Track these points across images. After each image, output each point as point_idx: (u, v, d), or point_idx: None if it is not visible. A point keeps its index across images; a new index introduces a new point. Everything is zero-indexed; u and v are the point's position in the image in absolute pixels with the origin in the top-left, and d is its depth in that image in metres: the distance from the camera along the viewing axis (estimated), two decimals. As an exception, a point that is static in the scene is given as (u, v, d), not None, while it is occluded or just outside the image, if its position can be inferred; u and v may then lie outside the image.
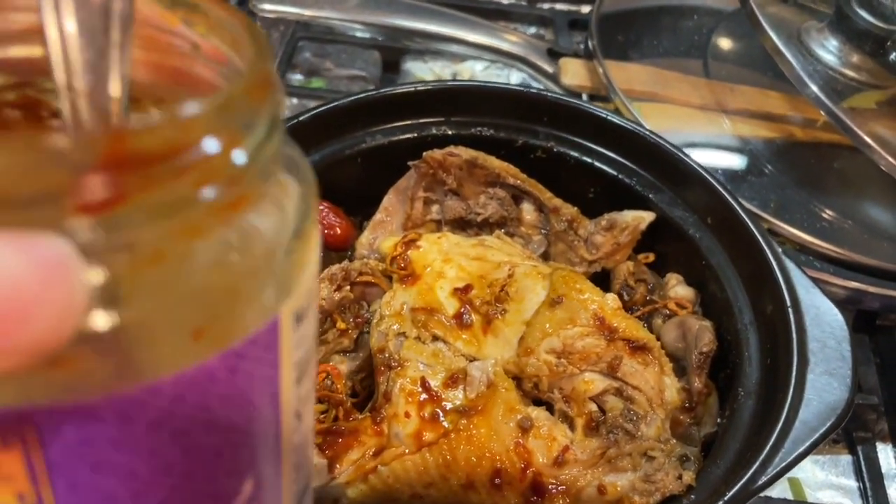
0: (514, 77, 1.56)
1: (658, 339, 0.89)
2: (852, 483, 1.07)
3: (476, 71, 1.60)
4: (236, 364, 0.26)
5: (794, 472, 1.09)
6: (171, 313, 0.24)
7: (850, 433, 1.11)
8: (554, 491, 0.72)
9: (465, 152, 0.93)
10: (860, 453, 1.09)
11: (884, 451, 1.10)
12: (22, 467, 0.24)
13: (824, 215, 1.22)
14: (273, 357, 0.28)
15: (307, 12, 1.42)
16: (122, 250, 0.23)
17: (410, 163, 0.95)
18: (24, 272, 0.20)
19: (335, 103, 0.97)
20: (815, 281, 0.98)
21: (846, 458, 1.10)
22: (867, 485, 1.05)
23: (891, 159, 1.13)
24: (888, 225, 1.22)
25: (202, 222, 0.24)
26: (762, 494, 1.03)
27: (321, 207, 0.98)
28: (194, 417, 0.26)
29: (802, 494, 1.05)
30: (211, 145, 0.24)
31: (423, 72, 1.59)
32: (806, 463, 1.09)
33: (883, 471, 1.07)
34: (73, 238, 0.21)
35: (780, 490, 1.06)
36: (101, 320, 0.22)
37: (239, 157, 0.25)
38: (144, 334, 0.24)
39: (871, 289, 1.14)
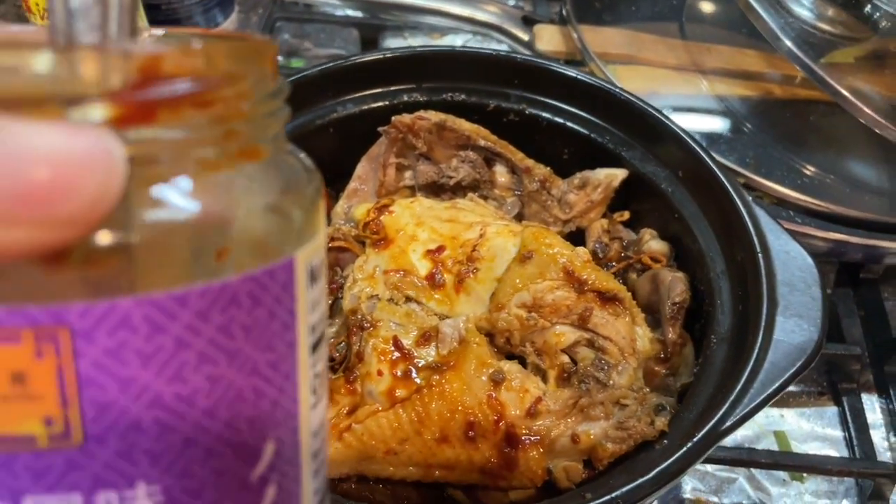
0: (494, 48, 1.55)
1: (633, 293, 0.90)
2: (838, 433, 1.08)
3: (457, 44, 1.59)
4: (257, 293, 0.28)
5: (780, 425, 1.10)
6: (196, 230, 0.26)
7: (836, 384, 1.11)
8: (527, 442, 0.73)
9: (434, 115, 0.93)
10: (845, 404, 1.09)
11: (869, 401, 1.10)
12: (54, 383, 0.24)
13: (805, 170, 1.22)
14: (290, 302, 0.29)
15: (282, -9, 1.42)
16: (150, 162, 0.26)
17: (380, 128, 0.95)
18: (72, 150, 0.23)
19: (304, 73, 0.97)
20: (798, 235, 0.99)
21: (832, 410, 1.10)
22: (853, 434, 1.06)
23: (869, 111, 1.13)
24: (868, 177, 1.22)
25: (222, 156, 0.28)
26: (746, 446, 1.04)
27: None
28: (218, 343, 0.27)
29: (788, 447, 1.05)
30: (233, 83, 0.28)
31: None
32: (791, 415, 1.10)
33: (869, 421, 1.07)
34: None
35: (766, 443, 1.07)
36: (134, 223, 0.25)
37: (254, 102, 0.29)
38: (174, 244, 0.26)
39: (853, 239, 1.14)
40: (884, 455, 1.05)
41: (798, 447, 1.06)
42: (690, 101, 1.28)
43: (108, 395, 0.25)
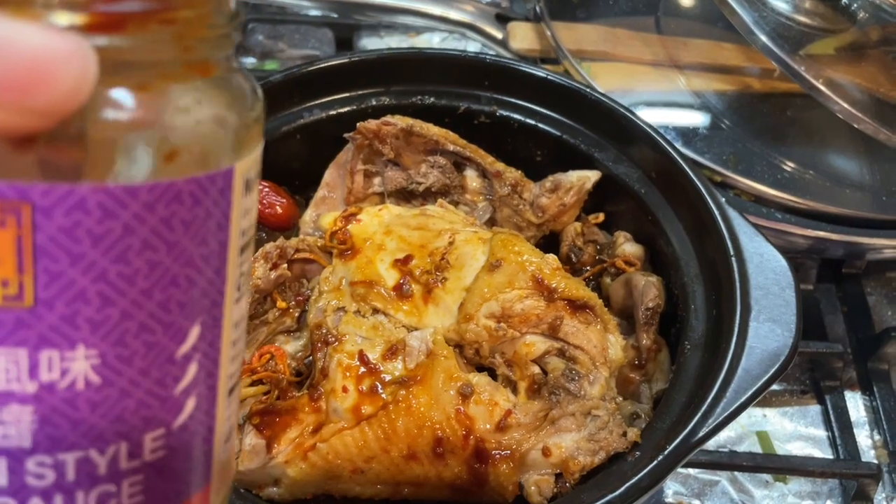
0: (471, 47, 1.53)
1: (607, 298, 0.88)
2: (822, 433, 1.06)
3: (433, 43, 1.57)
4: (198, 194, 0.31)
5: (763, 425, 1.08)
6: (149, 131, 0.30)
7: (818, 382, 1.10)
8: (497, 456, 0.71)
9: (400, 120, 0.91)
10: (828, 403, 1.08)
11: (852, 398, 1.09)
12: (12, 249, 0.28)
13: (784, 166, 1.20)
14: (226, 206, 0.33)
15: (254, -7, 1.39)
16: (116, 67, 0.29)
17: (346, 135, 0.93)
18: (51, 48, 0.26)
19: (269, 79, 0.95)
20: (777, 233, 0.97)
21: (815, 408, 1.09)
22: (836, 434, 1.04)
23: (845, 105, 1.11)
24: (848, 172, 1.20)
25: (178, 69, 0.32)
26: (728, 448, 1.02)
27: (262, 186, 0.96)
28: (160, 233, 0.30)
29: (771, 448, 1.04)
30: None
31: (380, 47, 1.56)
32: (774, 414, 1.08)
33: (852, 419, 1.06)
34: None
35: (748, 443, 1.05)
36: (97, 120, 0.29)
37: (214, 24, 0.33)
38: (129, 142, 0.30)
39: (834, 236, 1.13)
40: (867, 454, 1.03)
41: (781, 447, 1.05)
42: (667, 96, 1.25)
43: (59, 267, 0.29)
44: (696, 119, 1.23)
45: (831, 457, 1.03)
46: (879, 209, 1.16)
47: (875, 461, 1.01)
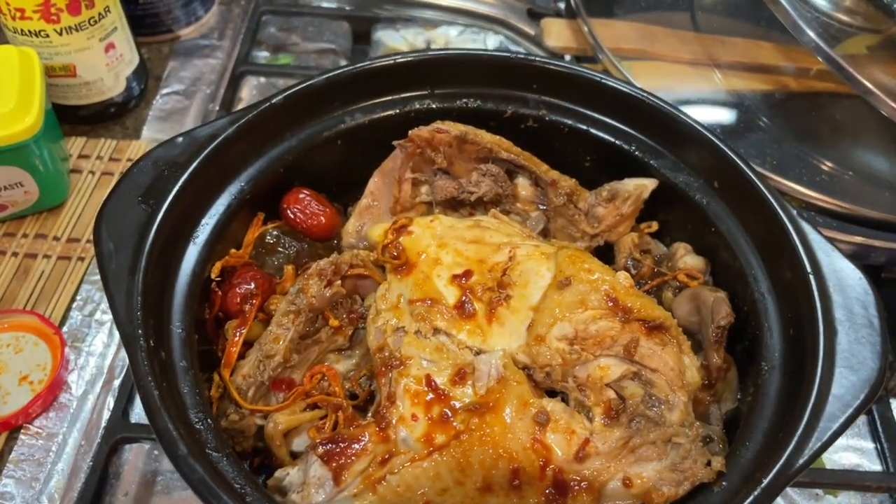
0: (490, 41, 1.48)
1: (670, 313, 0.85)
2: (869, 444, 1.04)
3: (451, 36, 1.52)
4: None
5: (810, 437, 1.06)
6: None
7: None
8: (577, 488, 0.68)
9: (454, 128, 0.87)
10: (875, 413, 1.05)
11: (899, 407, 1.07)
12: None
13: (824, 167, 1.17)
14: None
15: (269, -16, 1.34)
16: None
17: (395, 142, 0.89)
18: None
19: (309, 82, 0.89)
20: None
21: (861, 419, 1.07)
22: (884, 444, 1.02)
23: (893, 104, 1.08)
24: (889, 174, 1.18)
25: None
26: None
27: (302, 195, 0.91)
28: None
29: (820, 460, 1.02)
30: None
31: (396, 41, 1.51)
32: (820, 426, 1.06)
33: (899, 429, 1.04)
34: None
35: (796, 456, 1.03)
36: None
37: None
38: None
39: (877, 243, 1.10)
40: (916, 465, 1.01)
41: (829, 459, 1.03)
42: (705, 95, 1.22)
43: None
44: (735, 118, 1.20)
45: (880, 468, 1.01)
46: (921, 214, 1.13)
47: (928, 473, 0.99)
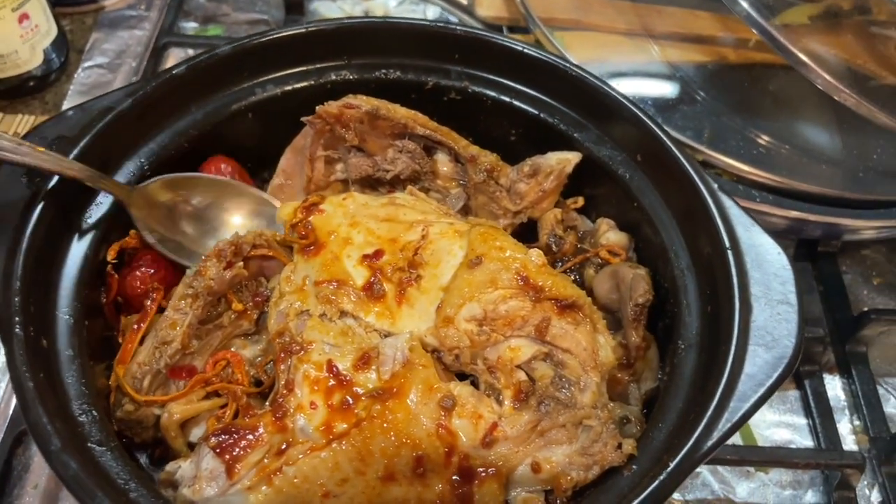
0: (430, 12, 1.43)
1: (591, 291, 0.82)
2: (802, 420, 1.03)
3: (389, 8, 1.47)
4: None
5: (742, 414, 1.05)
6: None
7: (797, 367, 1.06)
8: (483, 474, 0.65)
9: (365, 102, 0.83)
10: (807, 387, 1.04)
11: (831, 382, 1.06)
12: None
13: (760, 141, 1.15)
14: None
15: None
16: None
17: (304, 118, 0.84)
18: None
19: (214, 52, 0.85)
20: (755, 213, 0.92)
21: (794, 394, 1.06)
22: (816, 420, 1.01)
23: (827, 77, 1.06)
24: (826, 147, 1.16)
25: None
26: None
27: (225, 166, 0.87)
28: None
29: (752, 437, 1.00)
30: None
31: (332, 11, 1.45)
32: (753, 402, 1.05)
33: (832, 404, 1.03)
34: None
35: (728, 433, 1.02)
36: None
37: None
38: None
39: (813, 217, 1.09)
40: (848, 441, 1.01)
41: (761, 435, 1.02)
42: (641, 67, 1.19)
43: None
44: (671, 91, 1.17)
45: (811, 444, 1.00)
46: (856, 187, 1.12)
47: (857, 450, 0.98)
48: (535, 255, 0.73)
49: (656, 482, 0.60)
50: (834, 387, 1.06)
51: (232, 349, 0.76)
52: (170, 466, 0.67)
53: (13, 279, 0.66)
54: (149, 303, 0.75)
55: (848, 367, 1.06)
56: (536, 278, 0.71)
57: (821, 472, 0.97)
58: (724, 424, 0.62)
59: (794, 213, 1.09)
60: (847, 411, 1.04)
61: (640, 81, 1.17)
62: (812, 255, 1.18)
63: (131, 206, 0.78)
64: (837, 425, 1.01)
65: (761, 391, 0.64)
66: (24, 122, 1.23)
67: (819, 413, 1.02)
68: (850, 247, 1.19)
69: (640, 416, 0.74)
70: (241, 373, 0.74)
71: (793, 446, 1.00)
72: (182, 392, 0.71)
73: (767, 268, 0.71)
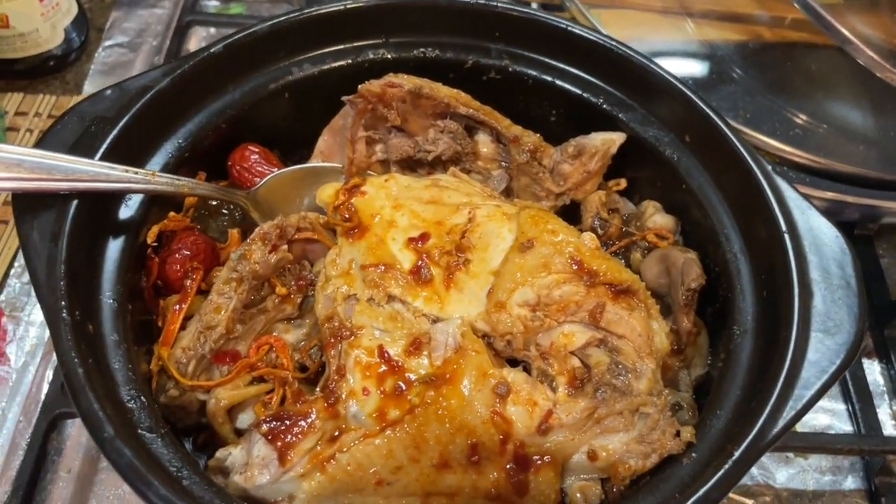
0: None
1: (639, 275, 0.81)
2: (840, 406, 1.02)
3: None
4: None
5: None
6: None
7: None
8: (539, 462, 0.64)
9: (407, 81, 0.80)
10: (847, 374, 1.03)
11: (870, 367, 1.05)
12: None
13: (798, 121, 1.13)
14: None
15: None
16: None
17: (345, 98, 0.82)
18: None
19: (252, 30, 0.82)
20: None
21: (832, 379, 1.04)
22: (855, 406, 1.00)
23: (872, 54, 1.04)
24: (865, 127, 1.14)
25: None
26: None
27: (249, 153, 0.85)
28: None
29: (791, 422, 0.99)
30: None
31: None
32: (791, 387, 1.04)
33: (871, 389, 1.02)
34: None
35: (766, 418, 1.01)
36: None
37: None
38: None
39: (850, 199, 1.07)
40: (888, 426, 0.99)
41: (801, 421, 1.00)
42: (677, 46, 1.17)
43: None
44: (708, 70, 1.15)
45: (851, 429, 0.99)
46: (895, 169, 1.10)
47: (898, 434, 0.97)
48: (589, 238, 0.71)
49: (721, 471, 0.58)
50: (873, 371, 1.05)
51: (275, 334, 0.75)
52: (220, 453, 0.66)
53: (57, 264, 0.64)
54: (189, 283, 0.73)
55: (887, 351, 1.05)
56: (591, 262, 0.69)
57: (861, 457, 0.96)
58: (788, 412, 0.61)
59: (831, 195, 1.07)
60: (886, 396, 1.03)
61: (676, 60, 1.14)
62: (849, 238, 1.15)
63: (250, 209, 0.81)
64: (877, 410, 1.00)
65: (825, 378, 0.63)
66: (45, 102, 1.21)
67: (858, 398, 1.01)
68: (888, 230, 1.17)
69: (691, 402, 0.73)
70: (287, 357, 0.72)
71: (832, 432, 0.99)
72: (228, 377, 0.69)
73: (826, 251, 0.70)
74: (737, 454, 0.59)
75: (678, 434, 0.65)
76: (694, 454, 0.64)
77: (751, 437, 0.60)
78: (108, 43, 1.31)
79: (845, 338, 0.65)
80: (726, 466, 0.58)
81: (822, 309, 0.66)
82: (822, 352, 0.64)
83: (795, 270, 0.68)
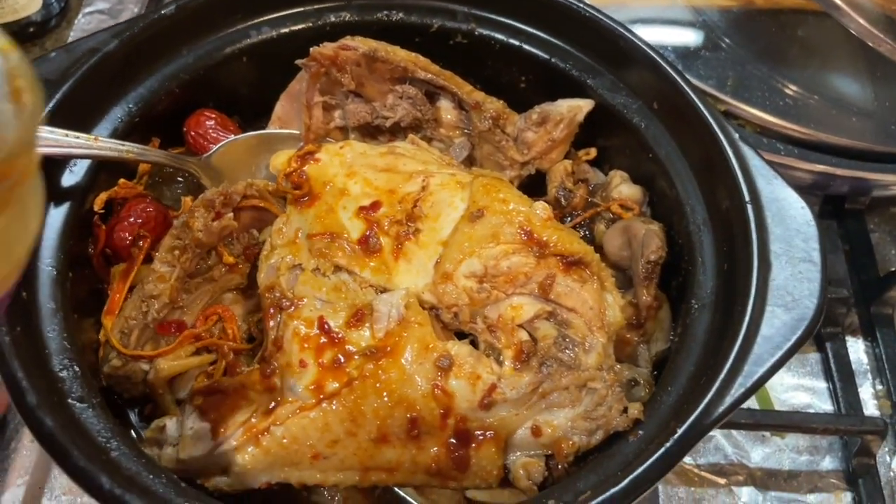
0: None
1: (601, 247, 0.78)
2: (821, 384, 0.99)
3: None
4: None
5: (759, 376, 1.01)
6: None
7: (819, 329, 1.02)
8: (481, 437, 0.62)
9: (362, 44, 0.78)
10: (829, 350, 1.00)
11: (854, 345, 1.02)
12: None
13: (787, 91, 1.09)
14: None
15: None
16: None
17: (298, 61, 0.80)
18: None
19: (207, -9, 0.80)
20: (779, 167, 0.87)
21: (814, 357, 1.01)
22: (837, 384, 0.97)
23: (862, 21, 1.00)
24: (856, 98, 1.10)
25: None
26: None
27: (205, 118, 0.83)
28: None
29: (769, 401, 0.96)
30: None
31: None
32: (771, 365, 1.01)
33: (854, 368, 0.99)
34: None
35: (743, 396, 0.98)
36: None
37: None
38: None
39: (840, 171, 1.03)
40: (869, 406, 0.97)
41: (779, 399, 0.98)
42: (663, 12, 1.13)
43: None
44: (694, 38, 1.11)
45: (831, 409, 0.96)
46: (888, 140, 1.06)
47: (879, 415, 0.94)
48: (541, 208, 0.69)
49: (662, 449, 0.56)
50: (857, 350, 1.02)
51: (224, 304, 0.73)
52: (155, 424, 0.65)
53: (-10, 228, 0.63)
54: (136, 250, 0.72)
55: (872, 329, 1.02)
56: (541, 233, 0.67)
57: (840, 437, 0.93)
58: (737, 389, 0.58)
59: (821, 167, 1.03)
60: (870, 375, 1.00)
61: (662, 27, 1.10)
62: (838, 212, 1.12)
63: (202, 177, 0.79)
64: (859, 390, 0.97)
65: (778, 354, 0.60)
66: (22, 69, 1.20)
67: (840, 377, 0.98)
68: (879, 203, 1.13)
69: (649, 378, 0.71)
70: (234, 328, 0.71)
71: (811, 411, 0.96)
72: (170, 347, 0.68)
73: (790, 223, 0.67)
74: (680, 431, 0.57)
75: (626, 410, 0.63)
76: (641, 431, 0.62)
77: (695, 414, 0.57)
78: (88, 9, 1.29)
79: (803, 313, 0.62)
80: (667, 444, 0.56)
81: (780, 283, 0.63)
82: (777, 327, 0.61)
83: (756, 242, 0.66)
